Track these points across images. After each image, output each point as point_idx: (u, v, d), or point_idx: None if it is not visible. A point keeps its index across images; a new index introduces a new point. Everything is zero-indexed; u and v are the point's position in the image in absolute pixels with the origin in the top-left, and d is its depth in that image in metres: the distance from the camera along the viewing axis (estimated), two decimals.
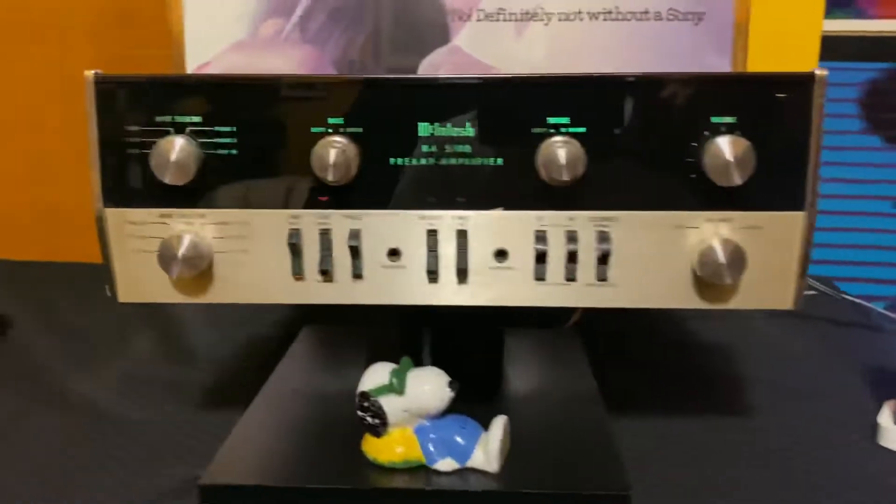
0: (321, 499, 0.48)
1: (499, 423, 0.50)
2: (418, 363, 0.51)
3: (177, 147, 0.44)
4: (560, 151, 0.42)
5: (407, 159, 0.45)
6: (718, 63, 0.76)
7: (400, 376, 0.50)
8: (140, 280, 0.47)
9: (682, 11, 0.75)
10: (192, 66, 0.74)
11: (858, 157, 1.18)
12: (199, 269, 0.46)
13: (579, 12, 0.75)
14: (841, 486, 0.50)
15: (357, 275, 0.46)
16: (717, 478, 0.51)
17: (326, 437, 0.54)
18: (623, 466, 0.50)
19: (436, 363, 0.54)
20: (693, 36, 0.75)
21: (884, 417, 0.56)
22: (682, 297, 0.46)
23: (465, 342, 0.63)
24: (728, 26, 0.76)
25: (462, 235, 0.45)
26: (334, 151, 0.43)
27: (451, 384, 0.50)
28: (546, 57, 0.75)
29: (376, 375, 0.51)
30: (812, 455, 0.54)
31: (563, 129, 0.44)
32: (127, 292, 0.48)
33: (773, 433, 0.57)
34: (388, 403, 0.50)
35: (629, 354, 0.72)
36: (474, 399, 0.54)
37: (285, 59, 0.76)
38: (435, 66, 0.74)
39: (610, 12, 0.75)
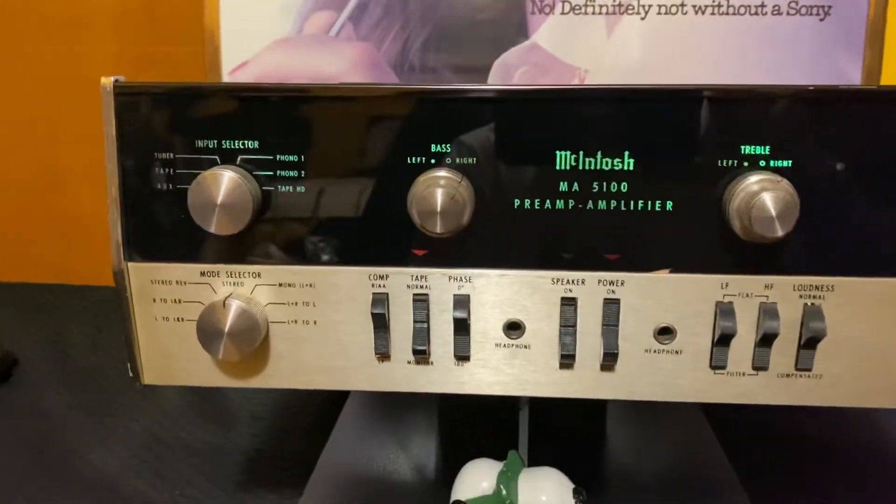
0: None
1: None
2: (499, 449, 0.39)
3: (225, 183, 0.32)
4: (767, 197, 0.30)
5: (539, 201, 0.33)
6: (851, 66, 0.63)
7: (510, 483, 0.38)
8: (172, 357, 0.36)
9: (806, 5, 0.62)
10: (228, 67, 0.62)
11: None
12: (250, 347, 0.34)
13: (682, 5, 0.62)
14: None
15: (462, 356, 0.34)
16: None
17: None
18: None
19: (532, 450, 0.42)
20: (819, 33, 0.63)
21: None
22: None
23: (564, 421, 0.51)
24: (861, 21, 0.63)
25: (612, 306, 0.33)
26: (443, 193, 0.31)
27: (576, 493, 0.38)
28: (641, 58, 0.62)
29: (476, 479, 0.39)
30: None
31: (761, 163, 0.31)
32: (154, 373, 0.36)
33: None
34: None
35: (763, 423, 0.59)
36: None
37: (337, 57, 0.64)
38: (509, 66, 0.62)
39: (719, 5, 0.62)
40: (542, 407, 0.50)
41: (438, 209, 0.31)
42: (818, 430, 0.59)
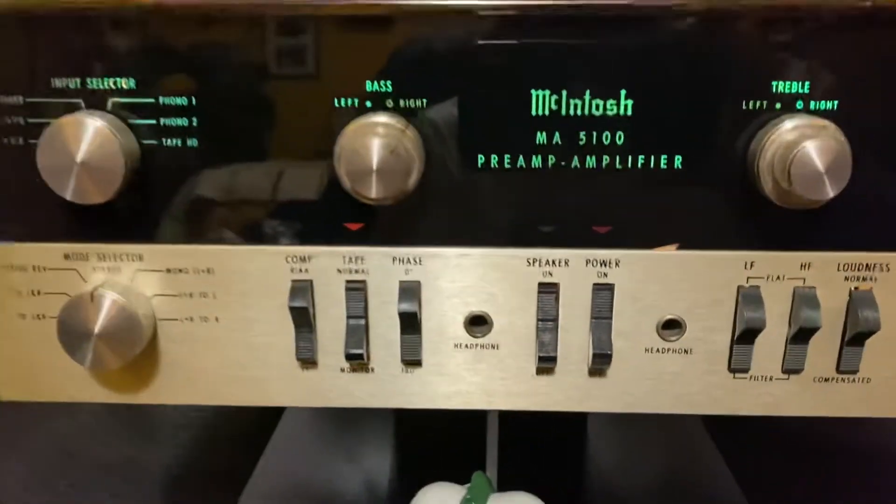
0: None
1: None
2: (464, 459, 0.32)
3: (88, 134, 0.24)
4: (811, 147, 0.22)
5: (509, 158, 0.25)
6: None
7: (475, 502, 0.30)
8: (35, 366, 0.27)
9: None
10: None
11: None
12: (130, 352, 0.25)
13: None
14: None
15: (412, 361, 0.26)
16: None
17: None
18: None
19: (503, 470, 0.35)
20: None
21: None
22: None
23: (539, 433, 0.44)
24: None
25: (603, 294, 0.25)
26: (380, 145, 0.23)
27: None
28: None
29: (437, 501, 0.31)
30: None
31: (798, 105, 0.24)
32: (14, 386, 0.28)
33: None
34: None
35: (760, 431, 0.53)
36: None
37: None
38: None
39: None
40: (513, 418, 0.43)
41: (374, 166, 0.23)
42: (823, 430, 0.52)
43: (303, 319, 0.26)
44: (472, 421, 0.44)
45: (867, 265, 0.25)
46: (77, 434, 0.51)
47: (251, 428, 0.51)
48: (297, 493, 0.42)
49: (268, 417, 0.49)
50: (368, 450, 0.46)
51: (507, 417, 0.44)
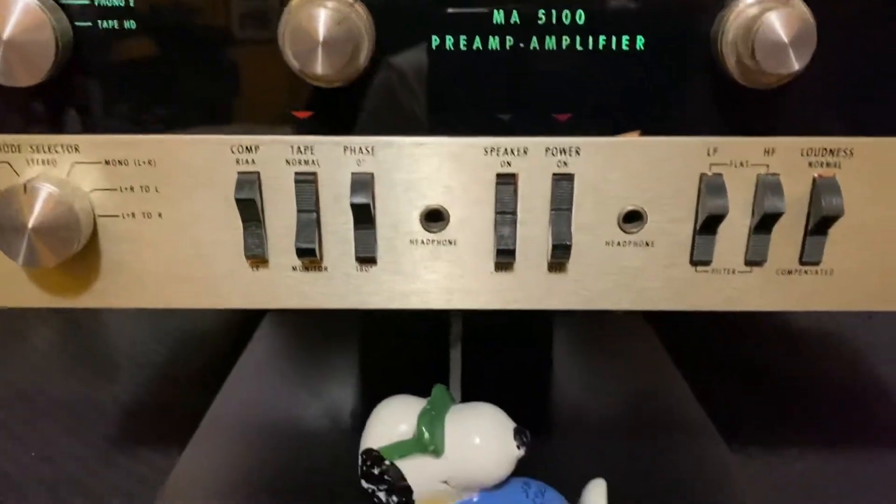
0: None
1: (597, 491, 0.30)
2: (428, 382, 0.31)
3: (16, 9, 0.22)
4: (774, 17, 0.21)
5: (465, 39, 0.24)
6: None
7: (434, 425, 0.30)
8: None
9: None
10: None
11: None
12: (67, 249, 0.24)
13: None
14: None
15: (366, 258, 0.25)
16: None
17: None
18: None
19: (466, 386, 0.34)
20: None
21: None
22: None
23: (504, 353, 0.43)
24: None
25: (563, 184, 0.25)
26: (327, 16, 0.21)
27: (518, 434, 0.30)
28: None
29: (393, 422, 0.30)
30: None
31: None
32: None
33: None
34: (415, 469, 0.30)
35: (714, 349, 0.53)
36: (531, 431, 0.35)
37: None
38: None
39: None
40: (477, 335, 0.42)
41: (320, 38, 0.21)
42: (786, 360, 0.53)
43: (250, 213, 0.24)
44: (436, 348, 0.43)
45: (831, 150, 0.24)
46: (30, 373, 0.50)
47: (211, 365, 0.50)
48: (256, 424, 0.41)
49: (229, 355, 0.48)
50: (331, 381, 0.45)
51: (470, 343, 0.43)
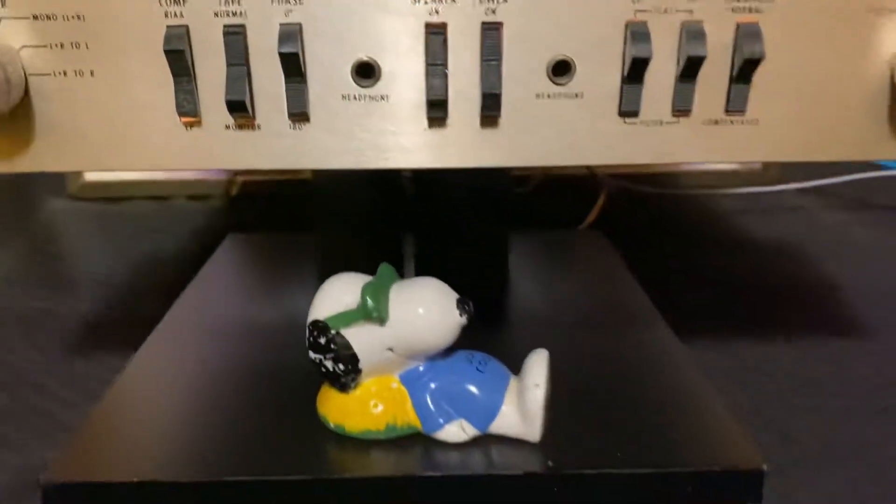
0: (243, 500, 0.29)
1: (540, 364, 0.31)
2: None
3: None
4: None
5: None
6: None
7: (378, 293, 0.30)
8: None
9: None
10: None
11: None
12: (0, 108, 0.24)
13: None
14: None
15: (298, 113, 0.26)
16: (865, 429, 0.34)
17: (258, 396, 0.34)
18: (736, 423, 0.32)
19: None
20: None
21: None
22: (872, 143, 0.27)
23: (460, 235, 0.44)
24: None
25: (493, 33, 0.25)
26: None
27: (461, 304, 0.30)
28: None
29: (339, 294, 0.31)
30: None
31: None
32: None
33: None
34: (361, 338, 0.30)
35: (673, 260, 0.54)
36: (484, 330, 0.36)
37: None
38: None
39: None
40: (432, 229, 0.43)
41: None
42: (740, 265, 0.54)
43: (180, 67, 0.25)
44: (392, 237, 0.44)
45: None
46: None
47: (171, 283, 0.50)
48: (213, 325, 0.41)
49: (189, 274, 0.48)
50: (294, 287, 0.45)
51: (424, 228, 0.44)
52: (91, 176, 0.68)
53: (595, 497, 0.29)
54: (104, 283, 0.51)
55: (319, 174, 0.43)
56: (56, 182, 0.69)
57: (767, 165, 0.69)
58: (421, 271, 0.40)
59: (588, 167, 0.66)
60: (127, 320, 0.46)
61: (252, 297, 0.44)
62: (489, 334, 0.36)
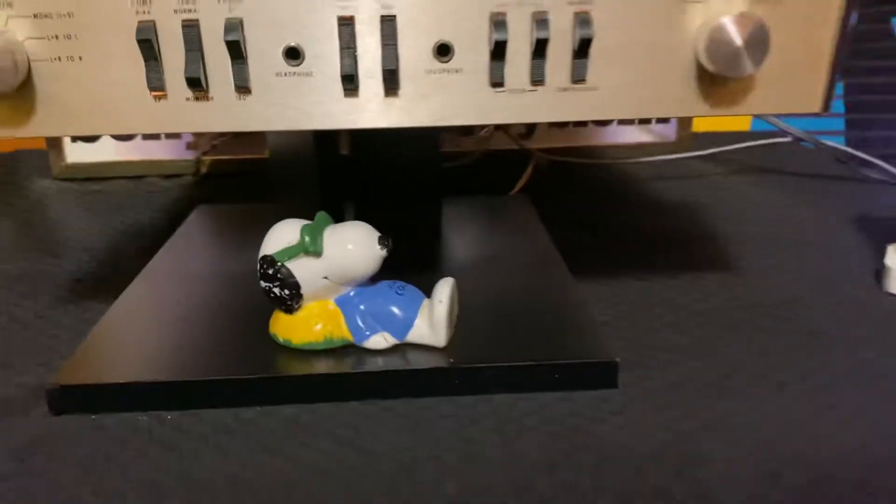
0: (212, 395, 0.36)
1: (444, 286, 0.39)
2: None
3: None
4: None
5: None
6: None
7: (315, 233, 0.38)
8: None
9: None
10: None
11: None
12: (9, 84, 0.31)
13: None
14: (848, 329, 0.42)
15: (242, 87, 0.33)
16: (711, 337, 0.42)
17: (223, 322, 0.42)
18: (601, 330, 0.40)
19: None
20: None
21: (891, 259, 0.48)
22: (685, 103, 0.35)
23: (397, 202, 0.51)
24: None
25: (389, 23, 0.33)
26: None
27: (382, 240, 0.38)
28: None
29: (283, 234, 0.39)
30: (821, 306, 0.46)
31: None
32: None
33: (769, 288, 0.48)
34: (301, 269, 0.38)
35: (588, 219, 0.62)
36: (412, 271, 0.43)
37: None
38: None
39: None
40: (372, 196, 0.51)
41: None
42: (637, 221, 0.62)
43: (149, 52, 0.32)
44: (338, 204, 0.52)
45: None
46: None
47: (148, 246, 0.58)
48: (183, 274, 0.48)
49: (163, 237, 0.55)
50: (253, 245, 0.53)
51: (366, 195, 0.51)
52: (73, 158, 0.74)
53: (485, 385, 0.37)
54: (88, 248, 0.58)
55: (275, 153, 0.50)
56: (41, 165, 0.76)
57: (681, 137, 0.77)
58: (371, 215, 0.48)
59: (517, 143, 0.74)
60: (109, 276, 0.53)
61: (217, 253, 0.52)
62: (418, 273, 0.43)
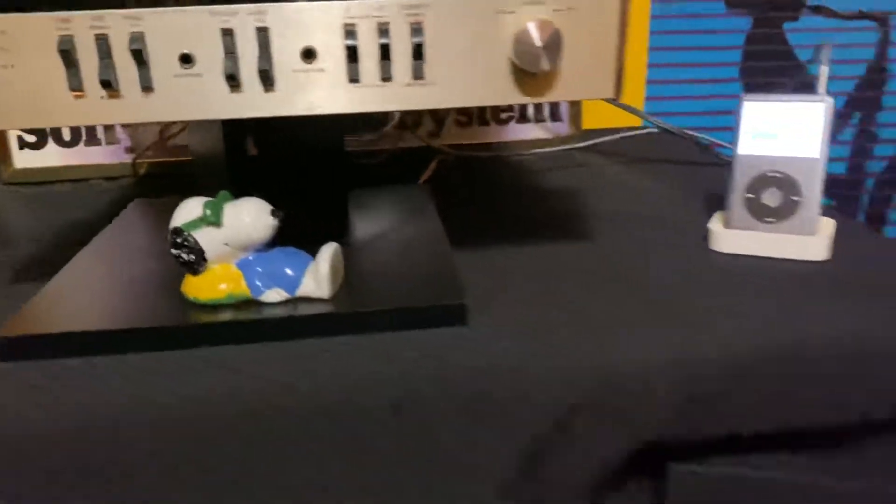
0: (136, 341, 0.44)
1: (327, 248, 0.47)
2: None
3: None
4: None
5: None
6: None
7: (215, 207, 0.46)
8: None
9: None
10: None
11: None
12: None
13: None
14: (688, 280, 0.51)
15: (146, 87, 0.41)
16: (557, 290, 0.51)
17: (145, 286, 0.49)
18: (459, 279, 0.48)
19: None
20: None
21: (714, 224, 0.58)
22: (504, 92, 0.44)
23: (304, 194, 0.60)
24: None
25: (262, 34, 0.41)
26: None
27: (274, 213, 0.46)
28: None
29: (189, 209, 0.47)
30: (661, 266, 0.55)
31: None
32: None
33: (620, 252, 0.57)
34: (205, 237, 0.46)
35: (480, 203, 0.71)
36: (314, 245, 0.52)
37: None
38: None
39: None
40: (280, 185, 0.59)
41: None
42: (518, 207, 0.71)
43: (69, 61, 0.40)
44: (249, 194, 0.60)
45: (416, 5, 0.41)
46: None
47: (90, 236, 0.65)
48: (116, 250, 0.56)
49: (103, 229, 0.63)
50: None
51: (273, 187, 0.60)
52: (20, 164, 0.82)
53: (361, 327, 0.45)
54: (36, 240, 0.66)
55: (195, 155, 0.58)
56: None
57: (573, 132, 0.87)
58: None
59: (425, 141, 0.83)
60: (54, 260, 0.61)
61: (147, 235, 0.60)
62: (317, 245, 0.52)
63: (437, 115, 0.86)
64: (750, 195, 0.56)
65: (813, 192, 0.54)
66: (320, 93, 0.43)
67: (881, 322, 0.45)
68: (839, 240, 0.57)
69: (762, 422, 0.43)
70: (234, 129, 0.54)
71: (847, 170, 1.32)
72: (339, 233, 0.58)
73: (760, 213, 0.55)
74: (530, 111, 0.86)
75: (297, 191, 0.60)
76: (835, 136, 1.29)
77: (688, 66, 1.15)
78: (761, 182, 0.55)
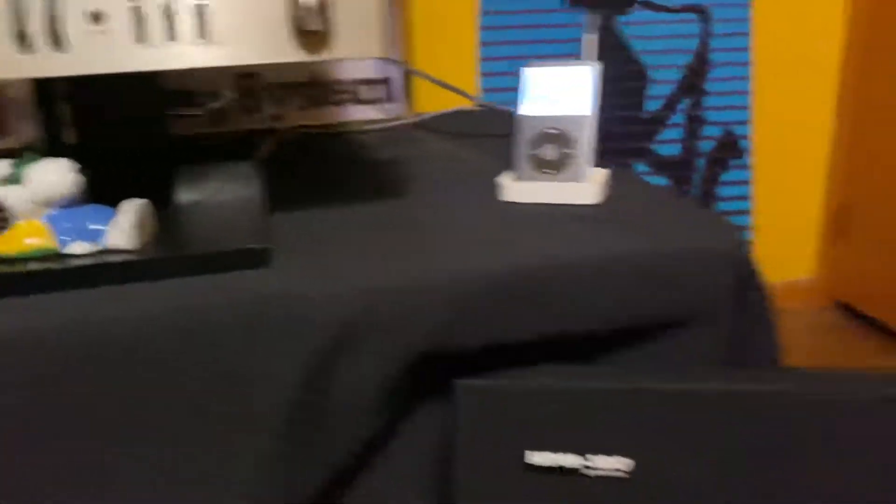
0: None
1: (130, 203, 0.51)
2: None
3: None
4: None
5: None
6: None
7: (19, 167, 0.49)
8: None
9: None
10: None
11: None
12: None
13: None
14: (471, 222, 0.58)
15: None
16: (358, 236, 0.56)
17: None
18: (266, 229, 0.53)
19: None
20: None
21: (503, 178, 0.64)
22: (286, 50, 0.49)
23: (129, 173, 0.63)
24: None
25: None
26: None
27: (76, 171, 0.50)
28: None
29: (2, 168, 0.50)
30: (452, 213, 0.61)
31: None
32: None
33: (422, 206, 0.63)
34: (11, 196, 0.49)
35: (312, 175, 0.76)
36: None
37: None
38: None
39: None
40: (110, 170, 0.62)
41: None
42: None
43: None
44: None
45: None
46: None
47: None
48: None
49: None
50: None
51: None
52: None
53: (166, 271, 0.49)
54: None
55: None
56: None
57: (408, 113, 0.93)
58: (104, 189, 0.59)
59: (269, 124, 0.87)
60: None
61: None
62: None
63: (277, 97, 0.90)
64: (532, 151, 0.63)
65: (584, 144, 0.62)
66: (110, 53, 0.46)
67: (628, 246, 0.53)
68: (614, 186, 0.65)
69: (522, 332, 0.50)
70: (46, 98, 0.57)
71: (680, 151, 1.45)
72: (159, 199, 0.62)
73: (541, 166, 0.63)
74: (365, 93, 0.92)
75: (120, 161, 0.63)
76: (638, 108, 1.41)
77: (521, 43, 1.24)
78: (541, 139, 0.63)
